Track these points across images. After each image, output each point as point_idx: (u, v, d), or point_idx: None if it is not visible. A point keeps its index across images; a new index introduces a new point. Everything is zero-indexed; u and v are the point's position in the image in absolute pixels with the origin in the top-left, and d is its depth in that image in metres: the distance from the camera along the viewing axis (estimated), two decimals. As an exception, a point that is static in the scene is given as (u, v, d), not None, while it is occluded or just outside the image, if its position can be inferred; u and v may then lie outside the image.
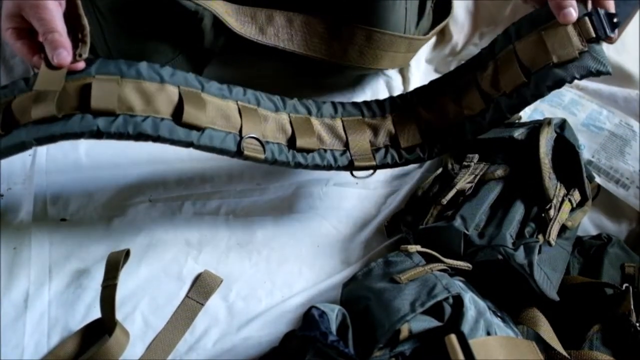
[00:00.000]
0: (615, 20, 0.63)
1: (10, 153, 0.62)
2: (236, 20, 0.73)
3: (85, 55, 0.61)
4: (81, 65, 0.61)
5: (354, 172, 0.72)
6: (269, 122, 0.68)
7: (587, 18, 0.62)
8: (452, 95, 0.72)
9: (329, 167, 0.70)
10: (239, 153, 0.65)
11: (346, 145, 0.71)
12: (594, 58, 0.62)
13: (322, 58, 0.76)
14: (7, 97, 0.63)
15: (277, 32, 0.75)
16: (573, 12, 0.61)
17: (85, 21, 0.61)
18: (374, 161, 0.71)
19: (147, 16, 0.71)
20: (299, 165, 0.68)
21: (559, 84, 0.62)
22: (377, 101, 0.74)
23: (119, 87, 0.62)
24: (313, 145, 0.69)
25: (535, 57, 0.64)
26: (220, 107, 0.66)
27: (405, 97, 0.75)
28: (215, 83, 0.67)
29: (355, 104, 0.73)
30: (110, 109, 0.60)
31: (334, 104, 0.73)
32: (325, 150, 0.70)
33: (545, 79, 0.62)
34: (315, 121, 0.71)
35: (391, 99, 0.75)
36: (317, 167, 0.69)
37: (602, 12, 0.62)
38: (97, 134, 0.60)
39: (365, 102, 0.74)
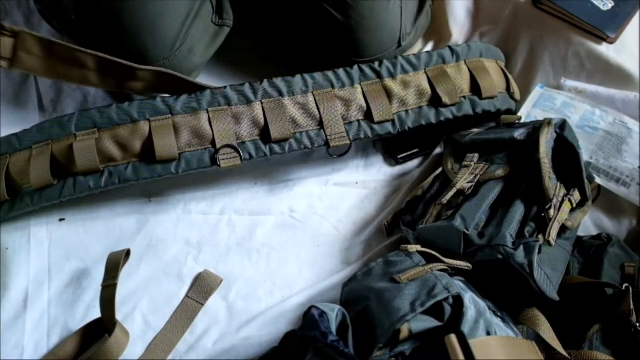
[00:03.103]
0: None
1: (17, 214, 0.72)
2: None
3: None
4: None
5: (330, 152, 0.75)
6: (242, 121, 0.70)
7: None
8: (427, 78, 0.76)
9: (306, 149, 0.72)
10: (217, 166, 0.69)
11: (320, 123, 0.72)
12: None
13: None
14: (4, 158, 0.70)
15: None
16: None
17: None
18: (348, 140, 0.73)
19: None
20: (277, 154, 0.71)
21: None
22: (345, 71, 0.75)
23: (97, 141, 0.68)
24: (287, 133, 0.70)
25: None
26: (192, 127, 0.69)
27: (374, 69, 0.76)
28: (184, 97, 0.70)
29: (324, 75, 0.74)
30: (95, 168, 0.68)
31: (303, 77, 0.74)
32: (301, 134, 0.71)
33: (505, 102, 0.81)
34: (287, 102, 0.72)
35: (360, 69, 0.75)
36: (295, 151, 0.72)
37: None
38: (92, 190, 0.69)
39: (334, 72, 0.75)
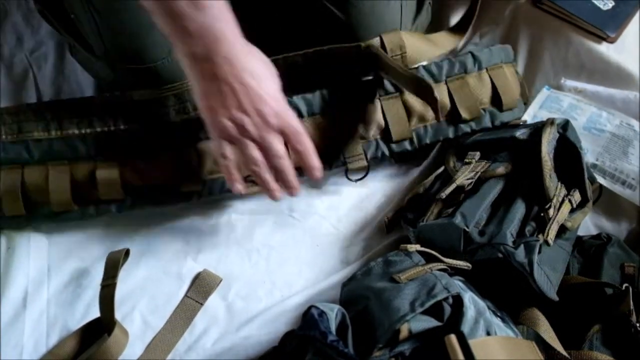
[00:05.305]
0: None
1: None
2: None
3: None
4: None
5: (349, 175, 0.75)
6: None
7: None
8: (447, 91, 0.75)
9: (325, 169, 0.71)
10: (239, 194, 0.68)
11: (338, 145, 0.72)
12: None
13: None
14: (17, 169, 0.70)
15: None
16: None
17: None
18: (365, 162, 0.74)
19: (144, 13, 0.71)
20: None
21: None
22: (366, 84, 0.74)
23: (120, 172, 0.69)
24: None
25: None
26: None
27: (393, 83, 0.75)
28: None
29: (343, 90, 0.73)
30: (119, 197, 0.69)
31: (322, 96, 0.73)
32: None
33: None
34: (307, 124, 0.72)
35: (380, 79, 0.74)
36: None
37: None
38: (113, 214, 0.70)
39: (355, 85, 0.74)
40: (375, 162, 0.76)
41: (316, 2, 0.78)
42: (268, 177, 0.63)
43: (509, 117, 0.78)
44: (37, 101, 0.87)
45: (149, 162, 0.70)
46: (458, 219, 0.62)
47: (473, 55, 0.77)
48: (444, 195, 0.66)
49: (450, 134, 0.75)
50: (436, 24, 0.94)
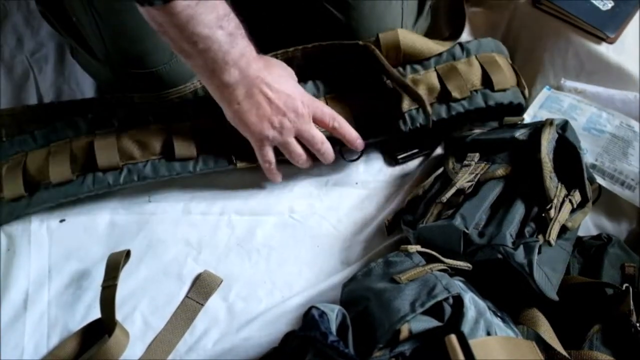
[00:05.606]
0: None
1: (36, 211, 0.74)
2: None
3: None
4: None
5: (344, 155, 0.77)
6: None
7: None
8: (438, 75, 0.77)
9: None
10: (233, 165, 0.73)
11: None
12: None
13: None
14: (20, 156, 0.72)
15: None
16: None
17: None
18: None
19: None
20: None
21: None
22: (357, 73, 0.76)
23: (117, 139, 0.71)
24: None
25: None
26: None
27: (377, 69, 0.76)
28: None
29: (337, 81, 0.76)
30: (115, 165, 0.70)
31: (315, 82, 0.76)
32: None
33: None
34: None
35: (370, 68, 0.76)
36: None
37: None
38: (110, 187, 0.71)
39: (347, 76, 0.75)
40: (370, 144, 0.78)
41: (316, 3, 0.78)
42: (309, 164, 0.74)
43: (503, 99, 0.77)
44: (38, 103, 0.87)
45: (145, 133, 0.72)
46: (458, 221, 0.62)
47: (461, 45, 0.78)
48: (444, 199, 0.66)
49: (444, 114, 0.76)
50: (434, 27, 0.94)
